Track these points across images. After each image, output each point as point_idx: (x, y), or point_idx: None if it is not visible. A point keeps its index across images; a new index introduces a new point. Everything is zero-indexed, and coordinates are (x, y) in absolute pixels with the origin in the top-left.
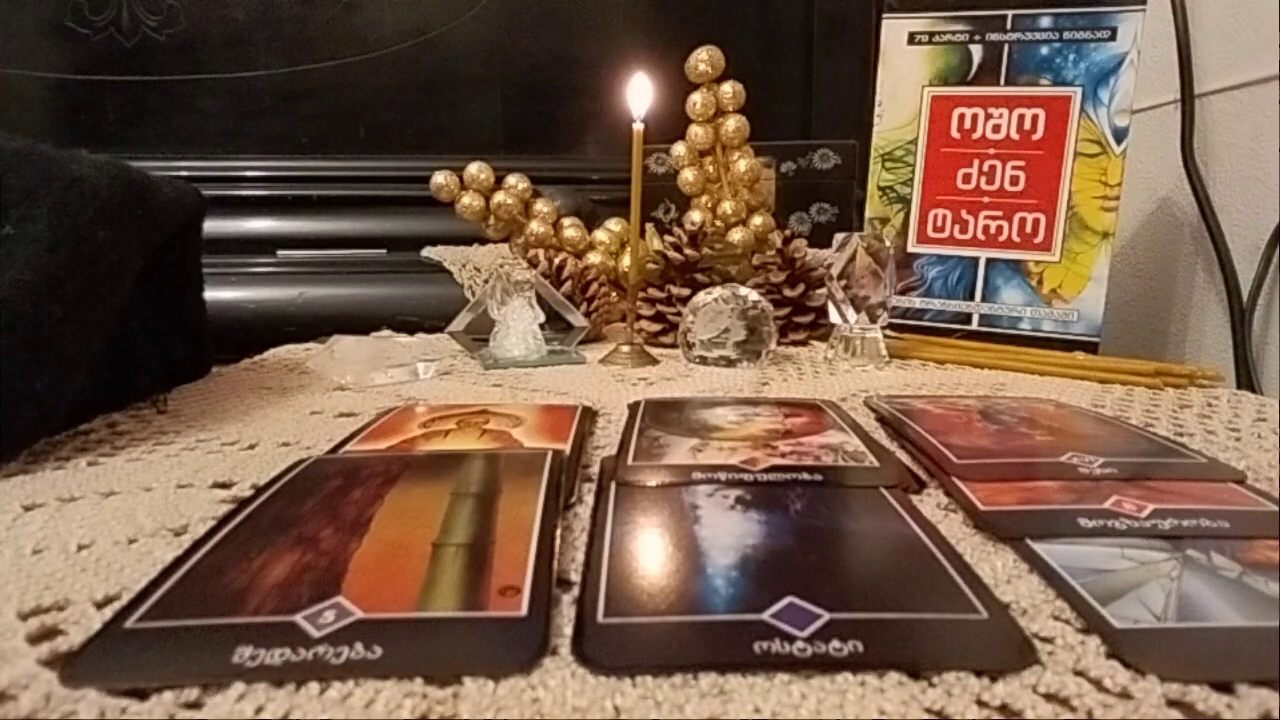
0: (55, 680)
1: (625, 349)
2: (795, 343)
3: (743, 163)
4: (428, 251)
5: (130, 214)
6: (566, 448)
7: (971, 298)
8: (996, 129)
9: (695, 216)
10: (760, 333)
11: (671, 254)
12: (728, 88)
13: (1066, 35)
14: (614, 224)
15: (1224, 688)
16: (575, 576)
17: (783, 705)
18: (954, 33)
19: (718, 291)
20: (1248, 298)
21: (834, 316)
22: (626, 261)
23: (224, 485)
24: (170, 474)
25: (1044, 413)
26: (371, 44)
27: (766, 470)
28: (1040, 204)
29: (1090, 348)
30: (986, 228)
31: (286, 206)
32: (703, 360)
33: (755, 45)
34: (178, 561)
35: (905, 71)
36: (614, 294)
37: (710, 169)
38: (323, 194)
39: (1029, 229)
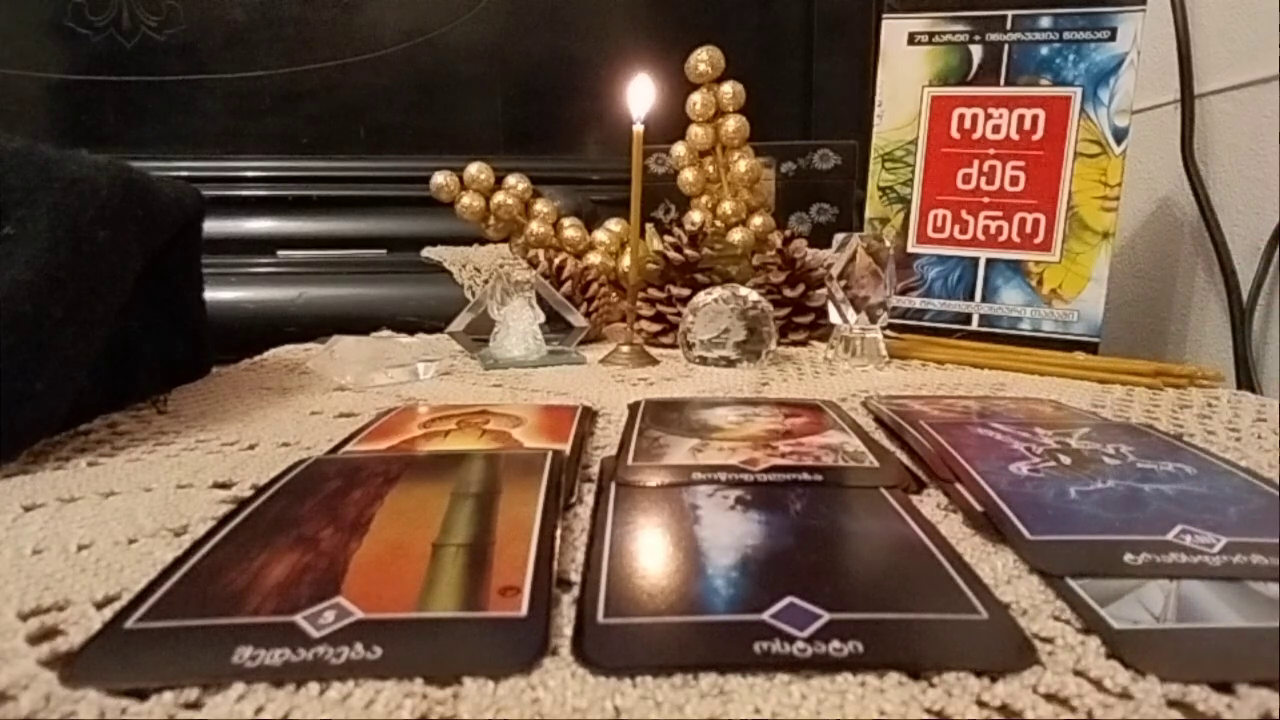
0: (55, 680)
1: (625, 349)
2: (795, 343)
3: (743, 163)
4: (428, 251)
5: (130, 214)
6: (566, 448)
7: (971, 298)
8: (996, 129)
9: (695, 216)
10: (760, 333)
11: (671, 254)
12: (728, 88)
13: (1066, 35)
14: (614, 224)
15: (1224, 688)
16: (575, 576)
17: (783, 705)
18: (954, 33)
19: (718, 291)
20: (1248, 298)
21: (834, 316)
22: (626, 261)
23: (224, 485)
24: (170, 474)
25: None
26: (371, 44)
27: (766, 470)
28: (1040, 204)
29: (1090, 348)
30: (986, 228)
31: (286, 207)
32: (703, 360)
33: (755, 45)
34: (178, 562)
35: (905, 71)
36: (614, 294)
37: (710, 169)
38: (323, 194)
39: (1029, 229)
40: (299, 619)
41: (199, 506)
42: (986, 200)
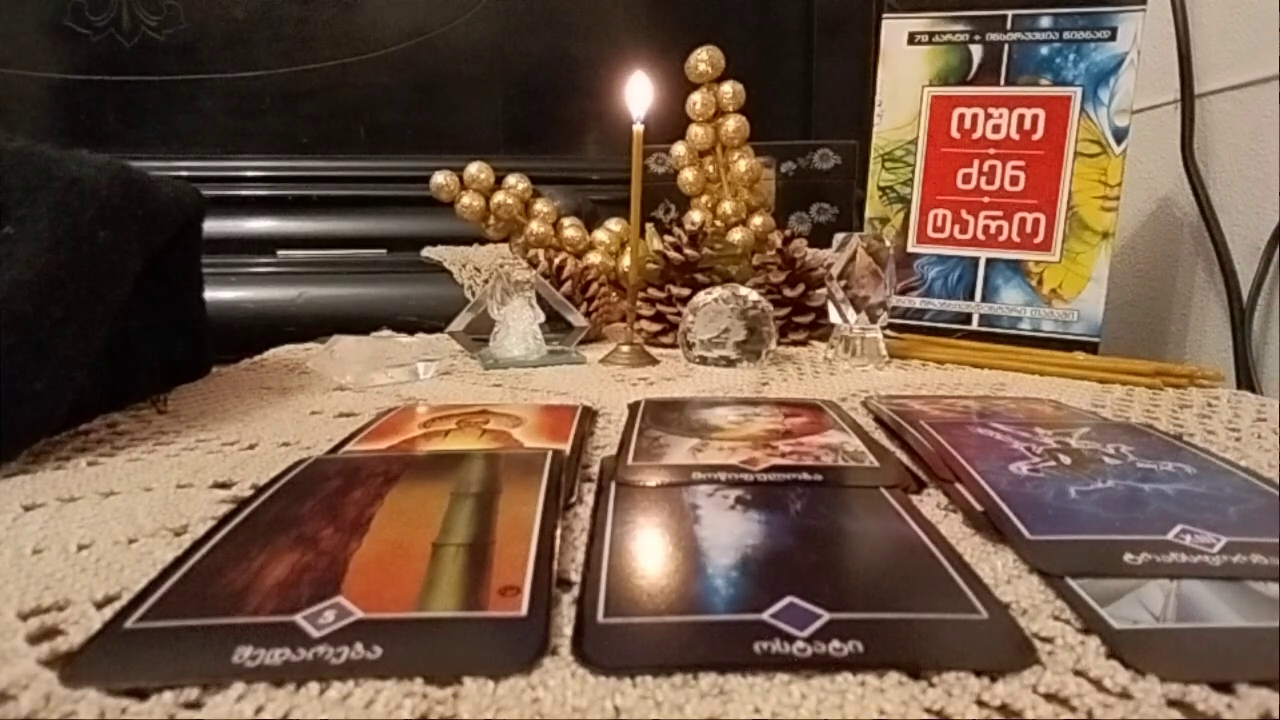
0: (55, 680)
1: (625, 349)
2: (795, 343)
3: (743, 163)
4: (428, 251)
5: (130, 214)
6: (566, 448)
7: (971, 298)
8: (996, 129)
9: (695, 216)
10: (760, 333)
11: (671, 254)
12: (728, 88)
13: (1066, 35)
14: (614, 224)
15: (1224, 688)
16: (575, 576)
17: (783, 705)
18: (954, 33)
19: (718, 291)
20: (1248, 298)
21: (834, 316)
22: (626, 261)
23: (224, 485)
24: (170, 474)
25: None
26: (371, 44)
27: (766, 470)
28: (1040, 204)
29: (1090, 348)
30: (986, 228)
31: (287, 206)
32: (703, 360)
33: (755, 45)
34: (178, 561)
35: (905, 71)
36: (614, 294)
37: (710, 169)
38: (323, 194)
39: (1029, 229)
40: (299, 619)
41: (199, 506)
42: (986, 200)
